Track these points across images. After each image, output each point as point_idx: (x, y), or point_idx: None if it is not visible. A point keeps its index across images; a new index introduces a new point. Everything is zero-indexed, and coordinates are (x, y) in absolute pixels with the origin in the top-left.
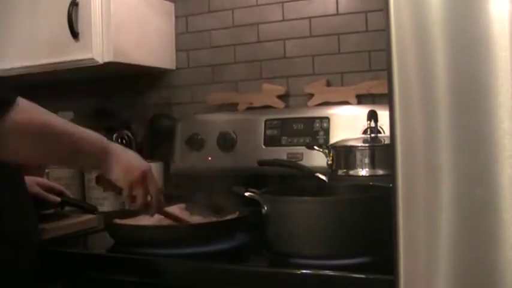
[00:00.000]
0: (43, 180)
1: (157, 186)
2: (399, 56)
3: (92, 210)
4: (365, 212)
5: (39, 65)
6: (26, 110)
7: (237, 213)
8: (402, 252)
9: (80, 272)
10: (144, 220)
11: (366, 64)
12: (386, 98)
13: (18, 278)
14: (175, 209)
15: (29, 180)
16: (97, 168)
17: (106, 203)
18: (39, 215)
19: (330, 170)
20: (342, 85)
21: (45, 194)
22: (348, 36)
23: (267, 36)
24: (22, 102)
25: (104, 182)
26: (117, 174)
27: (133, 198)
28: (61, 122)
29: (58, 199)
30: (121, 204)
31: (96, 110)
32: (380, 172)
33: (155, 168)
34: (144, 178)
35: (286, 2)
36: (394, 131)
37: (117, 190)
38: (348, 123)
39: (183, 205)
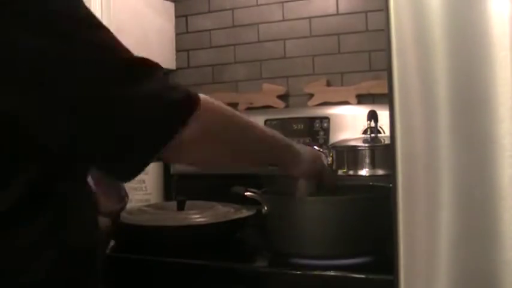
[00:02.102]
0: None
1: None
2: (399, 56)
3: None
4: (365, 212)
5: None
6: (210, 107)
7: (243, 211)
8: (402, 252)
9: None
10: (144, 220)
11: (366, 64)
12: (386, 98)
13: None
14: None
15: None
16: (277, 165)
17: None
18: None
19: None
20: (342, 85)
21: None
22: (348, 36)
23: (267, 36)
24: (204, 98)
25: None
26: (301, 168)
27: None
28: (242, 117)
29: None
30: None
31: None
32: (380, 172)
33: (155, 168)
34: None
35: (286, 2)
36: (394, 131)
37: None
38: (348, 123)
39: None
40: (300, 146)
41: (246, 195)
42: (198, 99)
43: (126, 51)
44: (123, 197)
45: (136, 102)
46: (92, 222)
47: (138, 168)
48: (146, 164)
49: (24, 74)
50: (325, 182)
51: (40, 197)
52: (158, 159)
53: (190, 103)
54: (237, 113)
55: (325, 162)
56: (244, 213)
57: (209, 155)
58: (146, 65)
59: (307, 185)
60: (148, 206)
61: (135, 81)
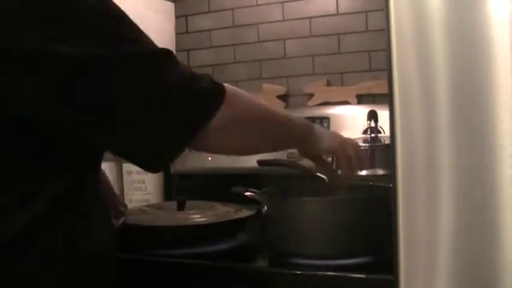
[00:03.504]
0: None
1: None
2: (399, 56)
3: None
4: (365, 212)
5: None
6: (236, 96)
7: (243, 211)
8: (402, 252)
9: None
10: (144, 220)
11: (366, 64)
12: (386, 98)
13: None
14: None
15: None
16: (303, 146)
17: None
18: None
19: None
20: (342, 85)
21: None
22: (348, 36)
23: (267, 36)
24: (229, 88)
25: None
26: (327, 142)
27: (348, 159)
28: (264, 103)
29: None
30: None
31: None
32: (380, 172)
33: None
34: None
35: (286, 2)
36: (394, 131)
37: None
38: (348, 123)
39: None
40: (323, 130)
41: (246, 195)
42: (224, 88)
43: (151, 43)
44: (122, 212)
45: (167, 92)
46: (101, 223)
47: (171, 156)
48: (180, 152)
49: (57, 77)
50: (345, 169)
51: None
52: (188, 148)
53: (218, 92)
54: (259, 100)
55: (355, 152)
56: (244, 213)
57: (237, 143)
58: (170, 56)
59: (326, 165)
60: (148, 206)
61: (163, 72)
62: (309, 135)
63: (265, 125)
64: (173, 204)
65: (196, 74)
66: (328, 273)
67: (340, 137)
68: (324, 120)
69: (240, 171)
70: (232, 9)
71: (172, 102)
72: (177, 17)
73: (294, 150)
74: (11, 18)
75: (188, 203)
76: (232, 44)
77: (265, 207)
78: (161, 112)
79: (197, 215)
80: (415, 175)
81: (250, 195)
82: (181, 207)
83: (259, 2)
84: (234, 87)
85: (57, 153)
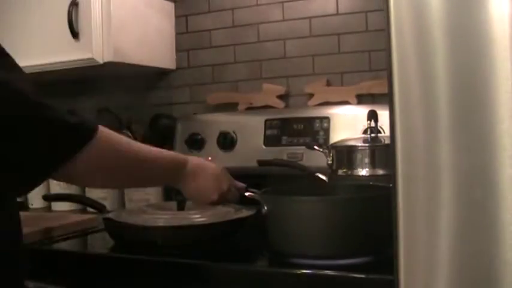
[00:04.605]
0: None
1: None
2: (399, 56)
3: (100, 208)
4: (365, 212)
5: (39, 65)
6: (106, 137)
7: (243, 211)
8: (402, 252)
9: (80, 272)
10: (144, 220)
11: (366, 64)
12: (386, 98)
13: None
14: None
15: None
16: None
17: (106, 203)
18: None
19: (330, 170)
20: (342, 85)
21: None
22: (348, 36)
23: (267, 36)
24: (101, 130)
25: None
26: (191, 197)
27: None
28: (135, 146)
29: None
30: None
31: (97, 110)
32: (380, 172)
33: None
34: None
35: (286, 2)
36: (394, 131)
37: None
38: (348, 123)
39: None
40: (196, 166)
41: (246, 195)
42: (96, 127)
43: (27, 80)
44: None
45: (35, 124)
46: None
47: (35, 183)
48: (44, 178)
49: None
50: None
51: None
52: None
53: (88, 129)
54: (132, 142)
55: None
56: (244, 213)
57: (101, 179)
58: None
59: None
60: (149, 206)
61: (36, 105)
62: (176, 178)
63: (132, 167)
64: (173, 204)
65: (72, 110)
66: (328, 273)
67: (205, 184)
68: (324, 120)
69: (240, 171)
70: (232, 9)
71: (43, 132)
72: (177, 17)
73: (295, 151)
74: None
75: (188, 203)
76: (232, 44)
77: (265, 207)
78: (26, 142)
79: (197, 215)
80: (415, 175)
81: (250, 195)
82: (181, 207)
83: (259, 2)
84: (110, 131)
85: None
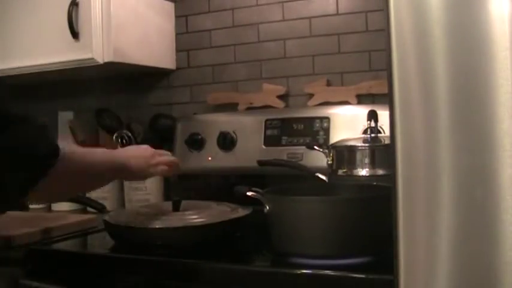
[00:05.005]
0: None
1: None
2: (399, 56)
3: (100, 208)
4: (365, 212)
5: (39, 65)
6: (67, 158)
7: (239, 210)
8: (402, 252)
9: (80, 272)
10: (143, 222)
11: (366, 64)
12: (386, 98)
13: None
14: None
15: None
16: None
17: (106, 203)
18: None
19: (330, 170)
20: (342, 85)
21: None
22: (348, 36)
23: (267, 36)
24: (63, 152)
25: None
26: (139, 176)
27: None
28: (89, 159)
29: None
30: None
31: (96, 110)
32: (380, 172)
33: None
34: (153, 155)
35: (286, 2)
36: (394, 131)
37: None
38: (348, 123)
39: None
40: (128, 154)
41: (248, 195)
42: (59, 152)
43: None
44: None
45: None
46: None
47: (7, 206)
48: (14, 203)
49: None
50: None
51: None
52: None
53: (52, 156)
54: (89, 157)
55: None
56: (241, 212)
57: (62, 195)
58: (15, 117)
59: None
60: (145, 206)
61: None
62: (119, 176)
63: (87, 176)
64: (169, 204)
65: (38, 136)
66: (328, 273)
67: (143, 152)
68: (324, 120)
69: (240, 171)
70: (232, 9)
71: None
72: (177, 17)
73: (295, 151)
74: None
75: (183, 202)
76: (232, 44)
77: (267, 207)
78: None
79: (195, 216)
80: (415, 175)
81: (252, 194)
82: (176, 207)
83: (259, 2)
84: (73, 150)
85: None
